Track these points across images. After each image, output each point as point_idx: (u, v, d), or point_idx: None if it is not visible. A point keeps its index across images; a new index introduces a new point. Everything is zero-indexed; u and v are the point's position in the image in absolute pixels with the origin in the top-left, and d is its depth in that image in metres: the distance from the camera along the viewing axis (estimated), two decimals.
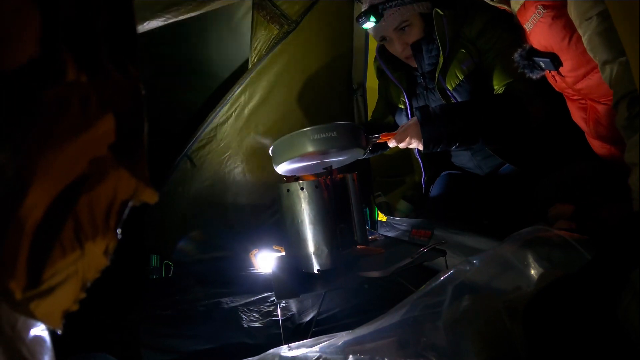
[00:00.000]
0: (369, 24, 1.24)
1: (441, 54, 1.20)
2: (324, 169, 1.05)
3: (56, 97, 0.35)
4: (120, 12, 0.39)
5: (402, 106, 1.45)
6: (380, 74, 1.56)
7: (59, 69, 0.35)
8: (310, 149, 0.96)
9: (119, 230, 0.38)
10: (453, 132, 1.08)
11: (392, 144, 1.15)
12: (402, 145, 1.14)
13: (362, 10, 1.25)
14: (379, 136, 1.15)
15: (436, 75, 1.25)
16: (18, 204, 0.33)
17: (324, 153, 1.01)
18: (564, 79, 0.95)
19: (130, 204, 0.38)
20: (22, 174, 0.33)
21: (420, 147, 1.12)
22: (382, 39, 1.32)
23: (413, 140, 1.11)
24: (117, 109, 0.37)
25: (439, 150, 1.11)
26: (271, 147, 1.05)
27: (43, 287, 0.34)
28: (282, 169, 1.05)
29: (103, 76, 0.37)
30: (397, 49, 1.30)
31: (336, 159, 1.09)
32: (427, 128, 1.08)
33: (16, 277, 0.33)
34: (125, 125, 0.38)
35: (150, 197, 0.39)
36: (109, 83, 0.37)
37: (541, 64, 0.95)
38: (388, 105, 1.56)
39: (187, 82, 1.65)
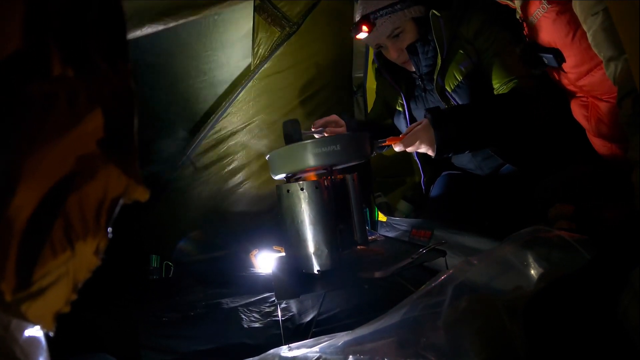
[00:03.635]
0: (361, 35, 1.24)
1: (439, 56, 1.20)
2: (329, 167, 1.05)
3: (42, 92, 0.34)
4: (109, 5, 0.38)
5: (400, 109, 1.45)
6: (378, 75, 1.56)
7: (44, 63, 0.34)
8: (311, 163, 0.90)
9: (109, 229, 0.37)
10: (467, 136, 1.03)
11: (398, 148, 1.09)
12: (410, 150, 1.08)
13: (355, 21, 1.25)
14: (385, 140, 1.09)
15: (434, 76, 1.24)
16: (6, 203, 0.32)
17: (326, 167, 0.96)
18: (567, 75, 0.95)
19: (121, 202, 0.37)
20: (9, 173, 0.32)
21: (430, 153, 1.06)
22: (378, 46, 1.32)
23: (423, 146, 1.05)
24: (106, 105, 0.36)
25: (449, 156, 1.08)
26: (268, 156, 1.00)
27: (33, 289, 0.33)
28: (280, 177, 1.01)
29: (91, 70, 0.36)
30: (393, 55, 1.30)
31: (337, 167, 1.05)
32: (441, 132, 1.01)
33: (6, 278, 0.32)
34: (115, 121, 0.37)
35: (142, 195, 0.38)
36: (98, 78, 0.36)
37: (544, 59, 0.94)
38: (386, 107, 1.56)
39: (191, 86, 1.65)
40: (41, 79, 0.34)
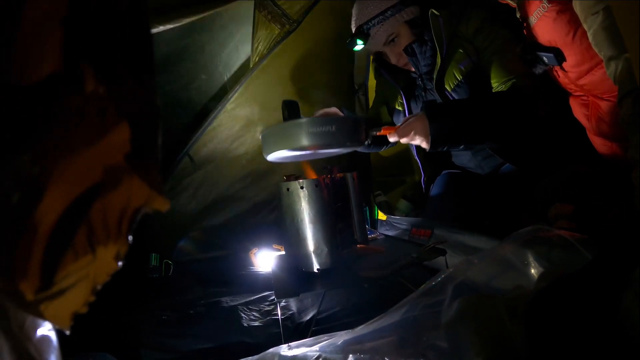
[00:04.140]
0: (358, 47, 1.25)
1: (438, 55, 1.20)
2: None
3: (75, 106, 0.36)
4: (137, 25, 0.40)
5: (400, 108, 1.45)
6: (377, 74, 1.56)
7: (79, 81, 0.36)
8: (305, 142, 0.88)
9: (130, 236, 0.39)
10: (462, 129, 1.03)
11: (393, 138, 1.08)
12: (404, 141, 1.07)
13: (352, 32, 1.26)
14: (380, 129, 1.08)
15: (434, 76, 1.24)
16: (33, 207, 0.34)
17: (320, 147, 0.94)
18: (567, 74, 0.95)
19: (142, 211, 0.39)
20: (39, 179, 0.34)
21: (425, 145, 1.05)
22: (377, 53, 1.34)
23: (417, 137, 1.04)
24: (132, 119, 0.38)
25: (444, 150, 1.07)
26: (261, 134, 0.98)
27: (54, 290, 0.35)
28: (272, 157, 0.99)
29: (120, 87, 0.38)
30: (392, 60, 1.31)
31: (332, 151, 1.04)
32: (436, 124, 1.00)
33: (28, 278, 0.34)
34: (139, 135, 0.38)
35: (162, 205, 0.40)
36: (126, 93, 0.38)
37: (544, 58, 0.94)
38: (386, 106, 1.56)
39: (190, 81, 1.65)
40: (75, 95, 0.36)
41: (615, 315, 0.42)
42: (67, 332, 0.37)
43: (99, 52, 0.37)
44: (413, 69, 1.31)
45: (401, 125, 1.07)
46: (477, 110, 1.06)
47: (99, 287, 0.38)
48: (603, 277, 0.46)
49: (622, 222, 0.60)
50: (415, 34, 1.24)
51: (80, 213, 0.36)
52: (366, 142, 1.02)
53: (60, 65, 0.35)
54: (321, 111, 1.39)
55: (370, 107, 1.71)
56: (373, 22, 1.22)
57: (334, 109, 1.40)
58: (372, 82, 1.86)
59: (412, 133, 1.04)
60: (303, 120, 0.89)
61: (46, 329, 0.41)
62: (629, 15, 0.57)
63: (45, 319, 0.36)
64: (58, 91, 0.35)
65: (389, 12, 1.21)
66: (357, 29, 1.25)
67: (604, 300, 0.44)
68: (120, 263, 0.39)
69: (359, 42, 1.23)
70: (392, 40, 1.25)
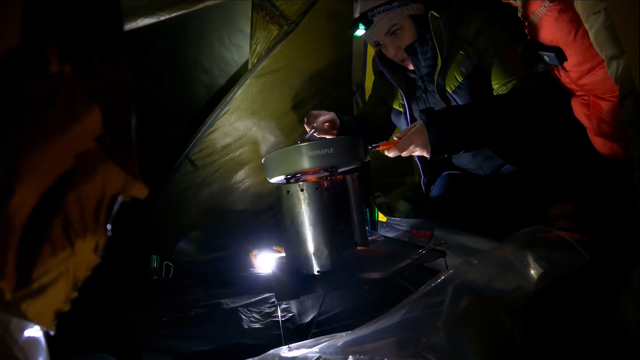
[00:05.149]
0: (359, 32, 1.24)
1: (439, 57, 1.20)
2: (324, 169, 1.05)
3: (40, 90, 0.34)
4: (106, 3, 0.38)
5: (401, 109, 1.45)
6: (379, 75, 1.55)
7: (41, 60, 0.34)
8: (305, 166, 0.92)
9: (109, 227, 0.37)
10: (462, 136, 1.03)
11: (392, 153, 1.07)
12: (404, 154, 1.07)
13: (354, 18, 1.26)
14: (378, 145, 1.08)
15: (435, 77, 1.24)
16: (5, 202, 0.32)
17: (320, 169, 0.98)
18: (568, 74, 0.95)
19: (119, 199, 0.37)
20: (9, 172, 0.32)
21: (426, 155, 1.05)
22: (377, 44, 1.33)
23: (417, 149, 1.04)
24: (104, 102, 0.36)
25: (445, 157, 1.06)
26: (264, 159, 1.02)
27: (33, 287, 0.33)
28: (276, 180, 1.03)
29: (89, 68, 0.36)
30: (391, 53, 1.30)
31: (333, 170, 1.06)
32: (435, 133, 1.01)
33: (5, 277, 0.32)
34: (113, 119, 0.37)
35: (140, 191, 0.38)
36: (96, 75, 0.36)
37: (545, 57, 0.94)
38: (383, 105, 1.56)
39: (189, 84, 1.65)
40: (39, 77, 0.34)
41: (613, 316, 0.42)
42: (52, 333, 0.35)
43: (64, 27, 0.35)
44: (411, 66, 1.31)
45: (399, 138, 1.07)
46: (477, 115, 1.06)
47: (79, 282, 0.36)
48: (601, 278, 0.46)
49: (621, 222, 0.60)
50: (417, 32, 1.24)
51: (54, 204, 0.34)
52: (367, 159, 1.04)
53: (19, 41, 0.33)
54: (320, 118, 1.39)
55: (366, 102, 1.70)
56: (379, 9, 1.21)
57: (331, 115, 1.40)
58: (369, 83, 1.86)
59: (411, 146, 1.04)
60: (301, 145, 0.93)
61: (34, 331, 0.39)
62: (628, 15, 0.57)
63: (27, 319, 0.34)
64: (20, 73, 0.33)
65: (396, 3, 1.21)
66: (362, 14, 1.24)
67: (602, 300, 0.43)
68: (99, 256, 0.37)
69: (361, 26, 1.23)
70: (394, 31, 1.24)
